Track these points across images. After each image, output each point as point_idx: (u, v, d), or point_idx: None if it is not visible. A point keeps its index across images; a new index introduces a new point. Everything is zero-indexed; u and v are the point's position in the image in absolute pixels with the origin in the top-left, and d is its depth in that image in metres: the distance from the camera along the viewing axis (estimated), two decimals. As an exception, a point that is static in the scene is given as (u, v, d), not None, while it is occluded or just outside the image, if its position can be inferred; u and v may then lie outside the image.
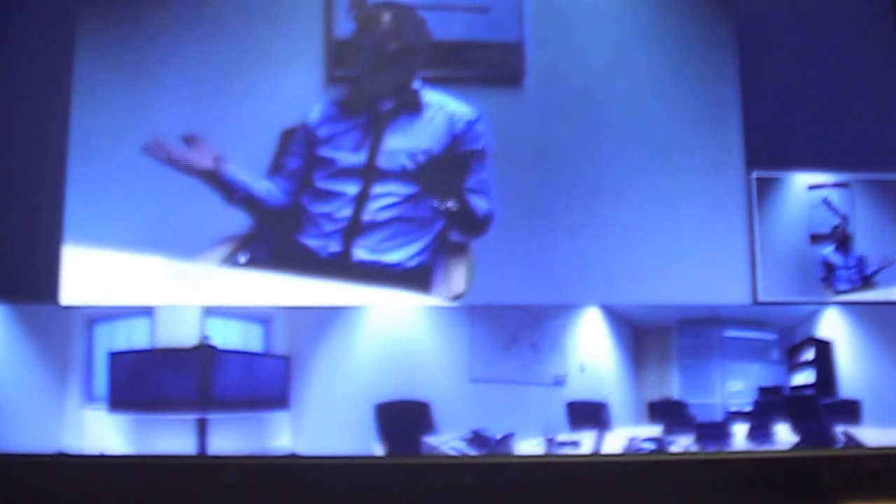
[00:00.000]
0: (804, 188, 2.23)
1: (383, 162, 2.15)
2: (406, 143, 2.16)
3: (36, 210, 2.12)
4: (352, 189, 2.15)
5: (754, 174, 2.21)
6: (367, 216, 2.14)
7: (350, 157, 2.16)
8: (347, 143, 2.17)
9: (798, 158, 2.23)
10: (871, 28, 2.30)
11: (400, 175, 2.15)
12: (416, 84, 2.19)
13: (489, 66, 2.21)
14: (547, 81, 2.21)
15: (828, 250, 2.23)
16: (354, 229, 2.14)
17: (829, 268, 2.22)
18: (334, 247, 2.14)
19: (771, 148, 2.22)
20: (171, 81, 2.16)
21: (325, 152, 2.16)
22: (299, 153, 2.16)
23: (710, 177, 2.21)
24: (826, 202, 2.23)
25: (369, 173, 2.15)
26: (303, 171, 2.16)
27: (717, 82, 2.24)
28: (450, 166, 2.17)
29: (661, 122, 2.22)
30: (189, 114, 2.14)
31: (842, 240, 2.23)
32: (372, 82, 2.17)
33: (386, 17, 2.18)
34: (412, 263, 2.15)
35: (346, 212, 2.14)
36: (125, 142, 2.13)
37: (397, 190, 2.15)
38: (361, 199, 2.14)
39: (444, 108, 2.18)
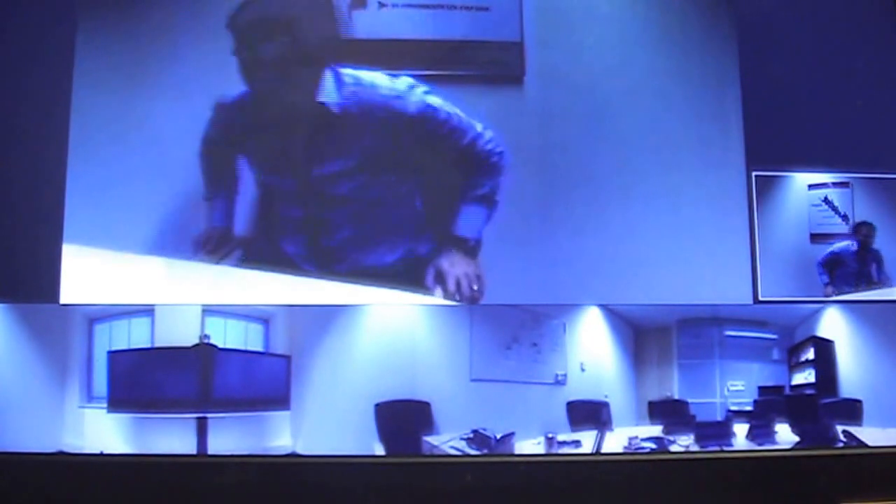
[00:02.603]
0: (804, 187, 2.23)
1: (367, 166, 2.14)
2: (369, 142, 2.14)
3: (36, 210, 2.11)
4: (342, 192, 2.14)
5: (755, 173, 2.20)
6: (362, 217, 2.13)
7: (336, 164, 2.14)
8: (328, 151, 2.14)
9: (798, 157, 2.23)
10: (873, 27, 2.30)
11: (387, 175, 2.14)
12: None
13: (489, 65, 2.21)
14: (547, 81, 2.21)
15: (829, 249, 2.22)
16: (355, 229, 2.13)
17: (830, 267, 2.21)
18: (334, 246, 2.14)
19: (771, 147, 2.22)
20: (170, 81, 2.15)
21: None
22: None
23: (711, 176, 2.20)
24: (826, 201, 2.23)
25: (355, 176, 2.14)
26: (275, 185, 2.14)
27: (717, 81, 2.23)
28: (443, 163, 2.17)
29: (662, 121, 2.21)
30: (189, 113, 2.14)
31: (844, 240, 2.23)
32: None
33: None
34: (412, 263, 2.14)
35: (345, 213, 2.14)
36: (125, 142, 2.13)
37: (385, 189, 2.14)
38: (352, 202, 2.13)
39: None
